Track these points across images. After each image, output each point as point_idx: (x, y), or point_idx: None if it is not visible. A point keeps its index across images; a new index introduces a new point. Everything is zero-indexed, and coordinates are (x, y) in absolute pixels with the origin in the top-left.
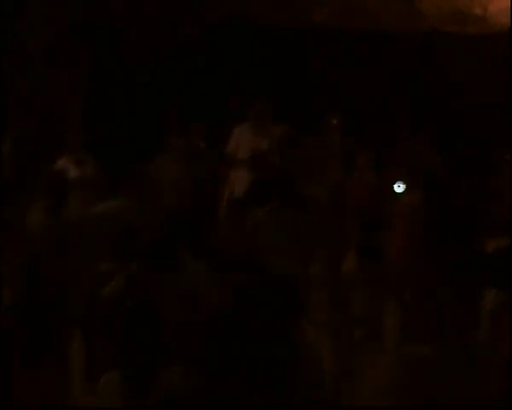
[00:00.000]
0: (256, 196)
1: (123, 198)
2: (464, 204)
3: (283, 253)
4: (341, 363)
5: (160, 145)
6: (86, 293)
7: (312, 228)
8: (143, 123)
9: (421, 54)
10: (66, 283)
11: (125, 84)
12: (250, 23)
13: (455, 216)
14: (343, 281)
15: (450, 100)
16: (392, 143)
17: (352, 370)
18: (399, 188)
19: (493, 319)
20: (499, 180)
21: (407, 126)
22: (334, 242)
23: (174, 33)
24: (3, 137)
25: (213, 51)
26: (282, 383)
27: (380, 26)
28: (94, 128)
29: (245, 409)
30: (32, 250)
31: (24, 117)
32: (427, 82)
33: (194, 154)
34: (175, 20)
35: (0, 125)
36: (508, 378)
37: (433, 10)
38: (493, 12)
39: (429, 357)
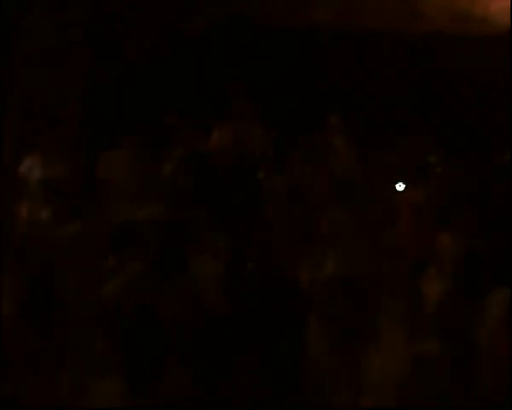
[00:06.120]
0: None
1: None
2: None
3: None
4: (344, 362)
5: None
6: (87, 293)
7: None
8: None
9: (421, 54)
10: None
11: (124, 85)
12: (250, 23)
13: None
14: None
15: (451, 100)
16: (392, 142)
17: (355, 369)
18: (400, 187)
19: (497, 318)
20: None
21: (407, 126)
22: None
23: (174, 33)
24: (3, 137)
25: (213, 51)
26: (284, 383)
27: (380, 27)
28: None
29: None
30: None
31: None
32: (427, 82)
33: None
34: (175, 20)
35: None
36: (508, 378)
37: (434, 11)
38: (494, 12)
39: (431, 355)
